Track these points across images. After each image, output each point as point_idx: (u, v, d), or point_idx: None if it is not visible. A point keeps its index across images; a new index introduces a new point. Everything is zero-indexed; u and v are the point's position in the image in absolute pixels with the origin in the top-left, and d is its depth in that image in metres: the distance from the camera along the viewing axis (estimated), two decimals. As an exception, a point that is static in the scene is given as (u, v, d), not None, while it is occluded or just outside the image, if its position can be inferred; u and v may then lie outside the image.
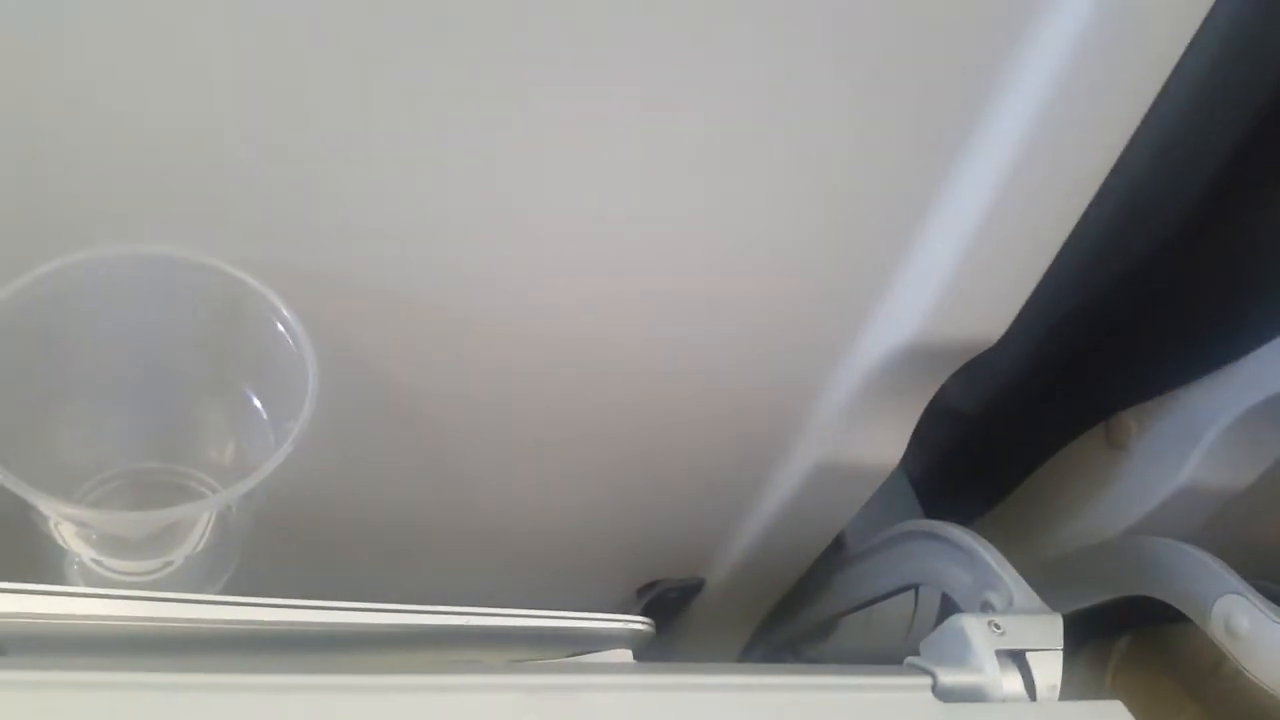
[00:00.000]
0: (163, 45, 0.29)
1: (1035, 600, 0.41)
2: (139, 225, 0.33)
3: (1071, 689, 0.39)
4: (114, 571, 0.36)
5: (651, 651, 0.39)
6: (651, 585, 0.54)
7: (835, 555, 0.54)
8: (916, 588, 0.53)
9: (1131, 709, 0.38)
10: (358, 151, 0.32)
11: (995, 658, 0.37)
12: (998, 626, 0.38)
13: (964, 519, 0.47)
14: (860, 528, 0.56)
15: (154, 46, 0.29)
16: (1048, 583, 0.47)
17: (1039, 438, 0.58)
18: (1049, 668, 0.38)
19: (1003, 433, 0.58)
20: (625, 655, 0.39)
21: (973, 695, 0.37)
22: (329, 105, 0.31)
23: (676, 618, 0.56)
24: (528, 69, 0.31)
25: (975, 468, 0.61)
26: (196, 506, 0.33)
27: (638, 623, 0.39)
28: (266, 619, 0.33)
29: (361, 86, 0.31)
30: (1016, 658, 0.38)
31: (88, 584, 0.36)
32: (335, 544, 0.46)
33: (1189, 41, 0.34)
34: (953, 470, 0.62)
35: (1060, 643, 0.39)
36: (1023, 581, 0.42)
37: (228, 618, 0.32)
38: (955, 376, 0.49)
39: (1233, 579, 0.47)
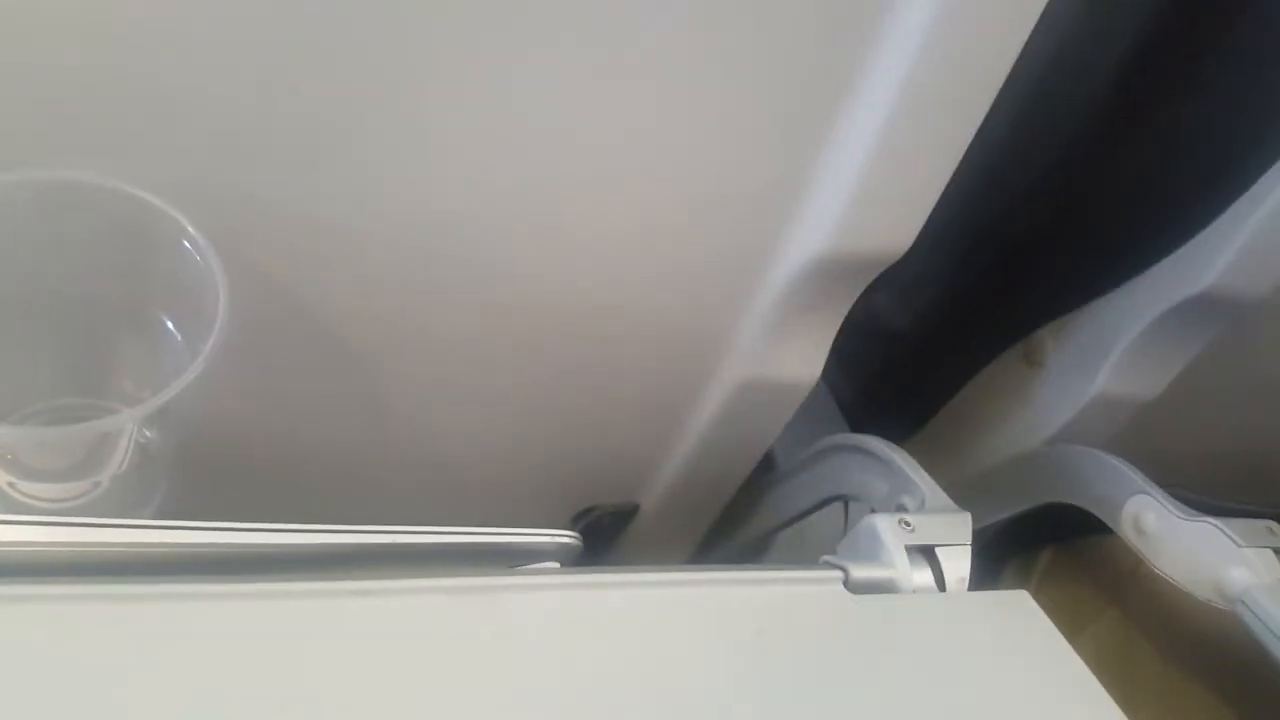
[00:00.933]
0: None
1: (946, 500, 0.43)
2: (41, 151, 0.33)
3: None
4: (36, 498, 0.36)
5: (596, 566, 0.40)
6: (587, 511, 0.55)
7: (765, 475, 0.55)
8: (847, 501, 0.54)
9: (1055, 617, 0.40)
10: (273, 71, 0.32)
11: (905, 553, 0.39)
12: (908, 524, 0.40)
13: (894, 439, 0.49)
14: (792, 451, 0.58)
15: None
16: (973, 497, 0.49)
17: (961, 358, 0.60)
18: (958, 562, 0.40)
19: (927, 354, 0.60)
20: (553, 568, 0.40)
21: (883, 588, 0.38)
22: (232, 16, 0.31)
23: (613, 543, 0.58)
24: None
25: (902, 390, 0.63)
26: (107, 422, 0.33)
27: (564, 536, 0.40)
28: (191, 540, 0.33)
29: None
30: (926, 552, 0.39)
31: (9, 510, 0.36)
32: (265, 475, 0.46)
33: None
34: (881, 393, 0.63)
35: (968, 539, 0.40)
36: (934, 484, 0.43)
37: (149, 540, 0.32)
38: (882, 300, 0.50)
39: (1141, 480, 0.49)
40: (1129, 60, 0.46)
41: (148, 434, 0.36)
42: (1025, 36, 0.37)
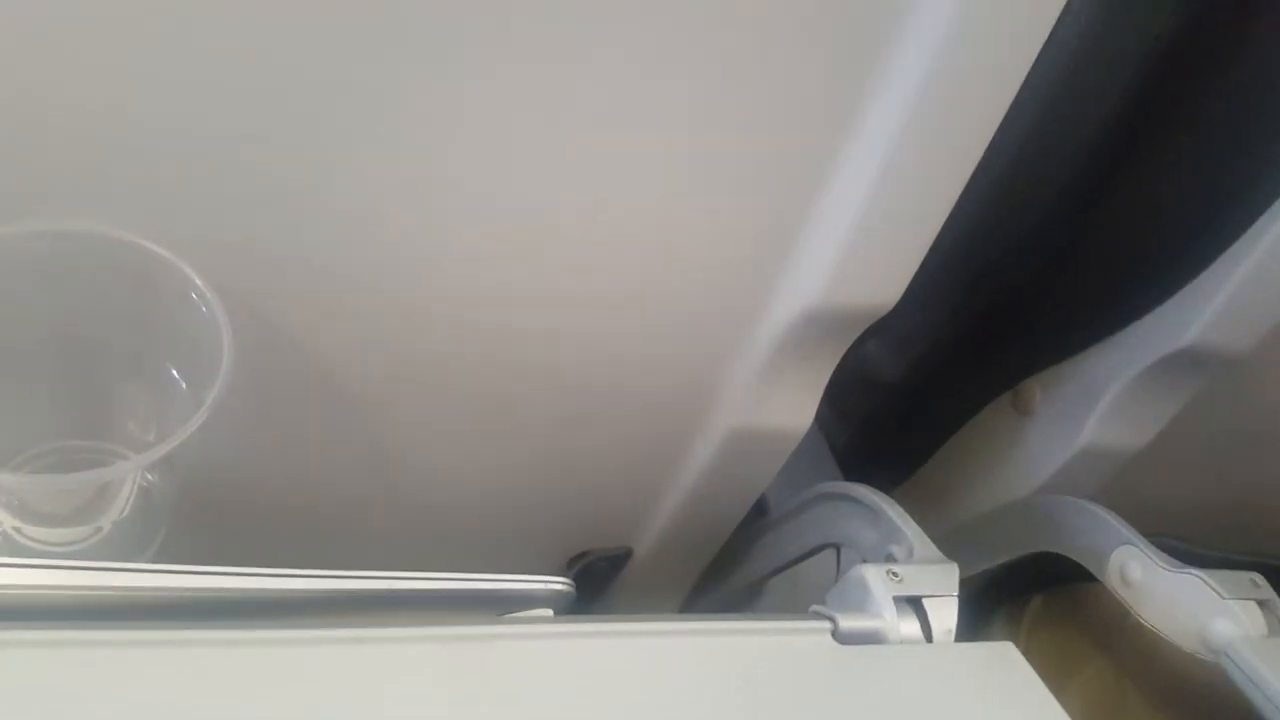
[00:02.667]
0: (75, 22, 0.30)
1: (934, 551, 0.43)
2: (53, 201, 0.34)
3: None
4: (40, 542, 0.36)
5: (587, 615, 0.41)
6: (581, 556, 0.56)
7: (758, 520, 0.56)
8: (838, 548, 0.55)
9: (1044, 665, 0.41)
10: (280, 131, 0.33)
11: (893, 603, 0.39)
12: (896, 575, 0.40)
13: (885, 486, 0.50)
14: (785, 497, 0.59)
15: (65, 22, 0.30)
16: (962, 545, 0.49)
17: (952, 406, 0.61)
18: (945, 613, 0.40)
19: (918, 402, 0.61)
20: (546, 615, 0.41)
21: (871, 638, 0.39)
22: (246, 77, 0.32)
23: (607, 587, 0.58)
24: (441, 55, 0.33)
25: (894, 437, 0.64)
26: (110, 470, 0.34)
27: (557, 582, 0.40)
28: (189, 585, 0.34)
29: (283, 58, 0.32)
30: (914, 603, 0.40)
31: (13, 554, 0.36)
32: (264, 521, 0.47)
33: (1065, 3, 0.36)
34: (873, 439, 0.64)
35: (955, 590, 0.41)
36: (923, 534, 0.44)
37: (149, 585, 0.33)
38: (875, 349, 0.51)
39: (1126, 531, 0.50)
40: (1113, 121, 0.48)
41: (150, 478, 0.37)
42: (1012, 95, 0.38)
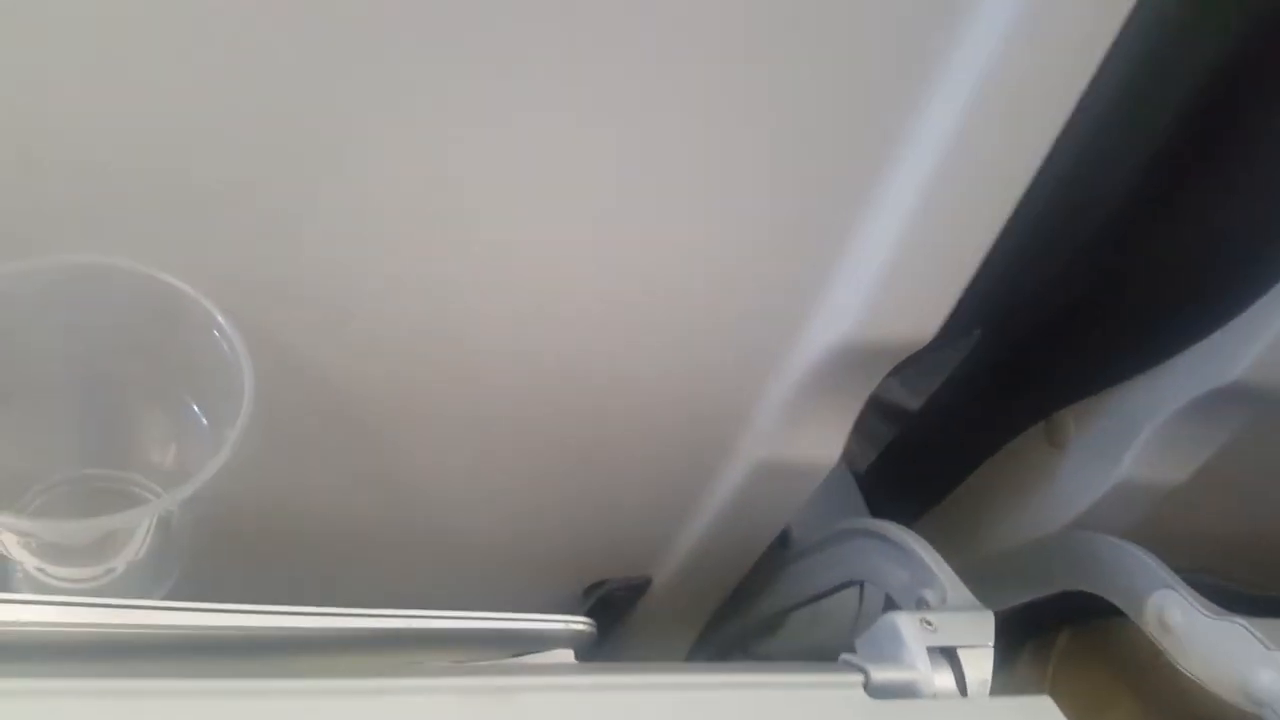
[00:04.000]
0: (100, 52, 0.29)
1: (969, 597, 0.42)
2: (78, 234, 0.33)
3: (1014, 684, 0.40)
4: (58, 579, 0.36)
5: (602, 650, 0.40)
6: (599, 584, 0.55)
7: (780, 553, 0.55)
8: (861, 584, 0.54)
9: (1071, 703, 0.40)
10: (300, 161, 0.33)
11: (927, 654, 0.38)
12: (930, 623, 0.39)
13: (910, 517, 0.49)
14: (808, 526, 0.58)
15: (90, 54, 0.29)
16: (989, 579, 0.48)
17: (981, 437, 0.59)
18: (980, 664, 0.39)
19: (946, 432, 0.60)
20: (567, 655, 0.40)
21: (904, 692, 0.37)
22: (265, 112, 0.31)
23: (625, 616, 0.57)
24: (469, 86, 0.32)
25: (920, 467, 0.63)
26: (133, 514, 0.34)
27: (578, 623, 0.40)
28: (209, 624, 0.33)
29: (302, 93, 0.31)
30: (948, 654, 0.39)
31: (32, 592, 0.36)
32: (281, 551, 0.46)
33: (1115, 36, 0.35)
34: (898, 469, 0.63)
35: (991, 639, 0.40)
36: (957, 579, 0.43)
37: (170, 623, 0.32)
38: (901, 376, 0.49)
39: (1166, 574, 0.49)
40: (1160, 149, 0.46)
41: (171, 515, 0.36)
42: (1058, 130, 0.37)
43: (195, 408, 0.36)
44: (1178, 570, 0.49)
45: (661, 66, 0.33)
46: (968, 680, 0.38)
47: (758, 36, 0.33)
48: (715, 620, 0.59)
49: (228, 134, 0.32)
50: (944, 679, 0.38)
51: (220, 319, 0.33)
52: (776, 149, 0.36)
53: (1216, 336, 0.50)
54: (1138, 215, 0.47)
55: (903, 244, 0.39)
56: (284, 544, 0.45)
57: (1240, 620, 0.45)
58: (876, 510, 0.62)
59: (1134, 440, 0.53)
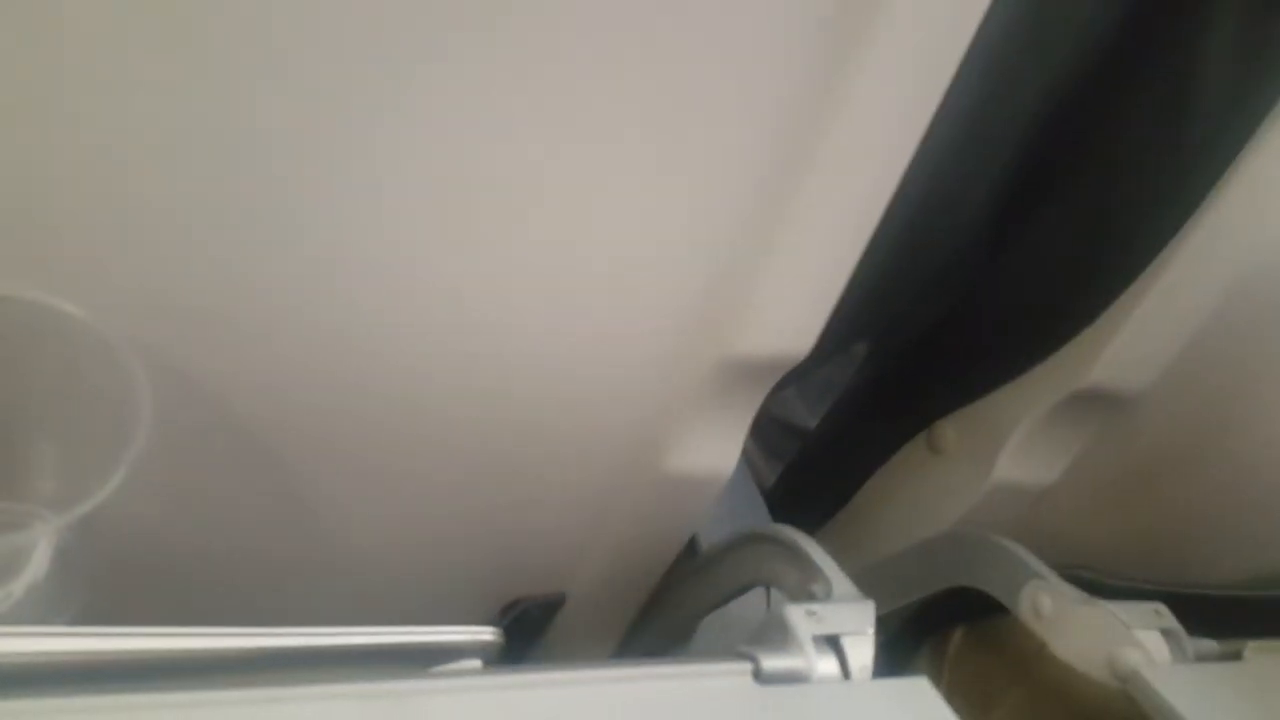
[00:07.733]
0: None
1: (852, 590, 0.44)
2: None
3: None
4: (-49, 608, 0.36)
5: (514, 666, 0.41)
6: (514, 604, 0.56)
7: (688, 562, 0.57)
8: (768, 588, 0.56)
9: (967, 697, 0.42)
10: (193, 177, 0.34)
11: (812, 642, 0.40)
12: (814, 614, 0.41)
13: (811, 526, 0.51)
14: (717, 538, 0.60)
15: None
16: (883, 580, 0.50)
17: (870, 449, 0.63)
18: (862, 650, 0.41)
19: (839, 446, 0.63)
20: (474, 665, 0.41)
21: (792, 678, 0.39)
22: (145, 120, 0.32)
23: (542, 634, 0.58)
24: (363, 88, 0.33)
25: (817, 478, 0.66)
26: (18, 537, 0.34)
27: (484, 633, 0.41)
28: (107, 648, 0.33)
29: (189, 99, 0.32)
30: (832, 641, 0.41)
31: (-81, 621, 0.35)
32: (189, 577, 0.46)
33: (960, 61, 0.38)
34: (798, 482, 0.66)
35: (871, 627, 0.42)
36: (841, 573, 0.45)
37: (60, 649, 0.33)
38: (794, 395, 0.52)
39: (1038, 566, 0.52)
40: (1013, 170, 0.50)
41: (67, 539, 0.37)
42: (911, 152, 0.40)
43: (90, 431, 0.36)
44: (1060, 568, 0.53)
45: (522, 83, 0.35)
46: (850, 665, 0.40)
47: (652, 67, 0.35)
48: (631, 632, 0.61)
49: (146, 148, 0.32)
50: (828, 664, 0.40)
51: (112, 341, 0.34)
52: (660, 170, 0.39)
53: (1071, 345, 0.54)
54: (992, 235, 0.51)
55: (773, 264, 0.42)
56: (193, 573, 0.46)
57: (1104, 604, 0.49)
58: (782, 523, 0.65)
59: (1005, 444, 0.57)
